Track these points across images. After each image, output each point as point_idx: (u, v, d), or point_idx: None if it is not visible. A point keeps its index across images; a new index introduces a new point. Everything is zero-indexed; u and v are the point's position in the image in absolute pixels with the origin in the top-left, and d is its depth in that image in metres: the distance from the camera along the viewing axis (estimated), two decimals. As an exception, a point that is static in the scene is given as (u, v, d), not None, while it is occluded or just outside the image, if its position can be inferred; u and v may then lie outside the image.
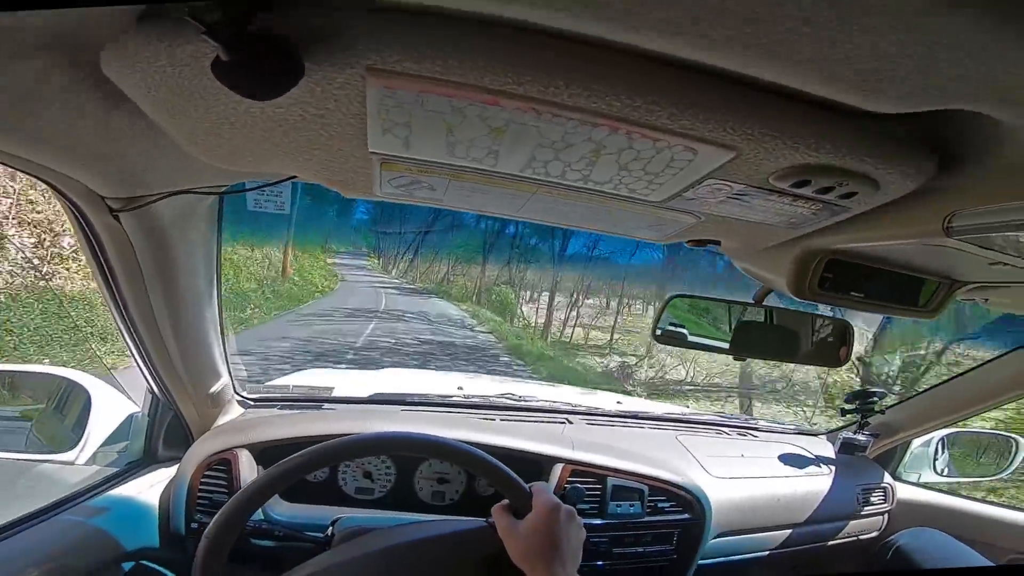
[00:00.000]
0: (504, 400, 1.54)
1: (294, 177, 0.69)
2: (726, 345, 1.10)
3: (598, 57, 0.40)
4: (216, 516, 0.70)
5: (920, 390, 1.58)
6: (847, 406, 1.55)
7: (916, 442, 1.66)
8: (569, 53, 0.40)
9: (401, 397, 1.45)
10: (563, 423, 1.47)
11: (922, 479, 1.68)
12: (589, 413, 1.56)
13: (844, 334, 1.05)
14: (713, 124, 0.44)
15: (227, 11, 0.35)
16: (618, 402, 1.79)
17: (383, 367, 7.56)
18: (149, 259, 0.80)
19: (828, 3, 0.30)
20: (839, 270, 0.76)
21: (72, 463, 1.09)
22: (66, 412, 1.18)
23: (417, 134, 0.50)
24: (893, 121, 0.44)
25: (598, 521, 1.17)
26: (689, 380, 10.98)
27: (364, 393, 1.46)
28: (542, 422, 1.46)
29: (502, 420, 1.41)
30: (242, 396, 1.29)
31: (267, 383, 1.58)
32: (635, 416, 1.61)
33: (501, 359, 11.82)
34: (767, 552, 1.38)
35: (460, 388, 1.65)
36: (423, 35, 0.39)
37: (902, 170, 0.50)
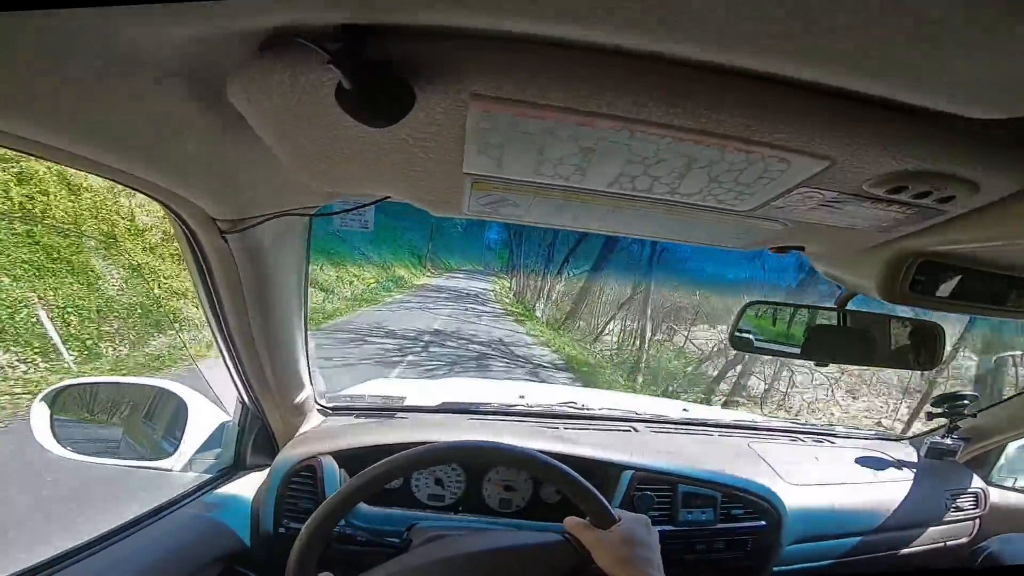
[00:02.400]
0: (567, 408, 1.54)
1: (388, 197, 0.71)
2: (795, 350, 1.08)
3: (693, 76, 0.41)
4: (307, 522, 0.73)
5: (1018, 391, 1.47)
6: (934, 409, 1.47)
7: (1012, 445, 1.55)
8: (664, 73, 0.41)
9: (467, 406, 1.48)
10: (628, 431, 1.46)
11: (1018, 483, 1.57)
12: (654, 420, 1.54)
13: (935, 336, 1.00)
14: (808, 135, 0.44)
15: (347, 40, 0.37)
16: (684, 409, 1.76)
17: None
18: (250, 277, 0.84)
19: (928, 16, 0.30)
20: (932, 272, 0.73)
21: (170, 470, 1.18)
22: (165, 421, 1.27)
23: (510, 154, 0.51)
24: (992, 122, 0.43)
25: (668, 528, 1.16)
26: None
27: (432, 402, 1.50)
28: (607, 430, 1.45)
29: (566, 428, 1.41)
30: (321, 405, 1.35)
31: (341, 392, 1.64)
32: (703, 424, 1.57)
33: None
34: (845, 559, 1.32)
35: (522, 396, 1.66)
36: (523, 61, 0.40)
37: (1003, 171, 0.48)
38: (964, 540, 1.46)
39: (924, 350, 1.01)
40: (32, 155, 0.50)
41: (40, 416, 1.14)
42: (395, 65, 0.39)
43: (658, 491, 1.17)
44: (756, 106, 0.42)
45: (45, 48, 0.37)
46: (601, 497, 0.76)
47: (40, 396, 1.15)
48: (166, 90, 0.46)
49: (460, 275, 32.32)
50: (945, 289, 0.73)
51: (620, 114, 0.43)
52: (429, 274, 28.52)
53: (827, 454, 1.48)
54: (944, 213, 0.58)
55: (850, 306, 1.00)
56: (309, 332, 1.12)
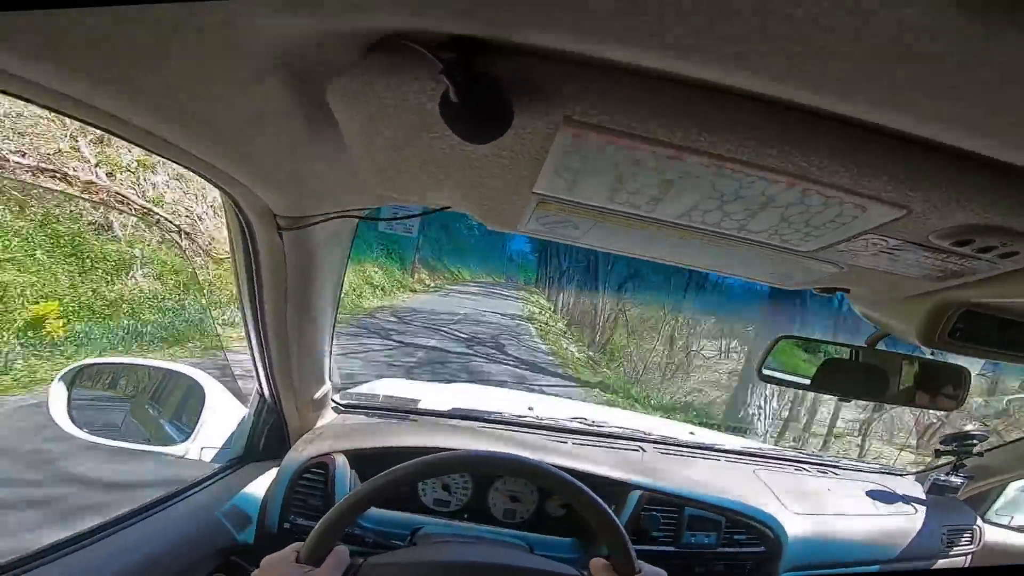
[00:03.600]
0: (577, 424, 1.55)
1: (448, 207, 0.70)
2: (804, 381, 1.08)
3: (789, 118, 0.41)
4: (321, 520, 0.72)
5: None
6: (942, 447, 1.48)
7: (1013, 485, 1.56)
8: (761, 113, 0.41)
9: (479, 413, 1.48)
10: (637, 450, 1.46)
11: (1014, 522, 1.59)
12: (662, 442, 1.54)
13: (960, 378, 1.01)
14: (890, 183, 0.44)
15: (460, 51, 0.36)
16: (691, 432, 1.76)
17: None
18: (297, 274, 0.84)
19: (1010, 73, 0.30)
20: (973, 320, 0.73)
21: (182, 456, 1.18)
22: (181, 406, 1.27)
23: (586, 179, 0.51)
24: None
25: (672, 549, 1.16)
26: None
27: (444, 406, 1.50)
28: (615, 448, 1.46)
29: (574, 444, 1.42)
30: (335, 402, 1.36)
31: (354, 390, 1.64)
32: (710, 448, 1.58)
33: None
34: None
35: (531, 408, 1.67)
36: (617, 89, 0.40)
37: None
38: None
39: (947, 391, 1.02)
40: (112, 132, 0.49)
41: (58, 395, 1.14)
42: (500, 81, 0.39)
43: (665, 512, 1.18)
44: (845, 152, 0.42)
45: (158, 31, 0.37)
46: (630, 545, 0.74)
47: (59, 375, 1.15)
48: (266, 84, 0.46)
49: (471, 288, 27.13)
50: (983, 338, 0.74)
51: (714, 151, 0.43)
52: (417, 287, 20.59)
53: (830, 485, 1.49)
54: (999, 267, 0.57)
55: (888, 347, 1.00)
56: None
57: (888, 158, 0.43)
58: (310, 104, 0.49)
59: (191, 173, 0.61)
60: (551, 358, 11.25)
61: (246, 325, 0.97)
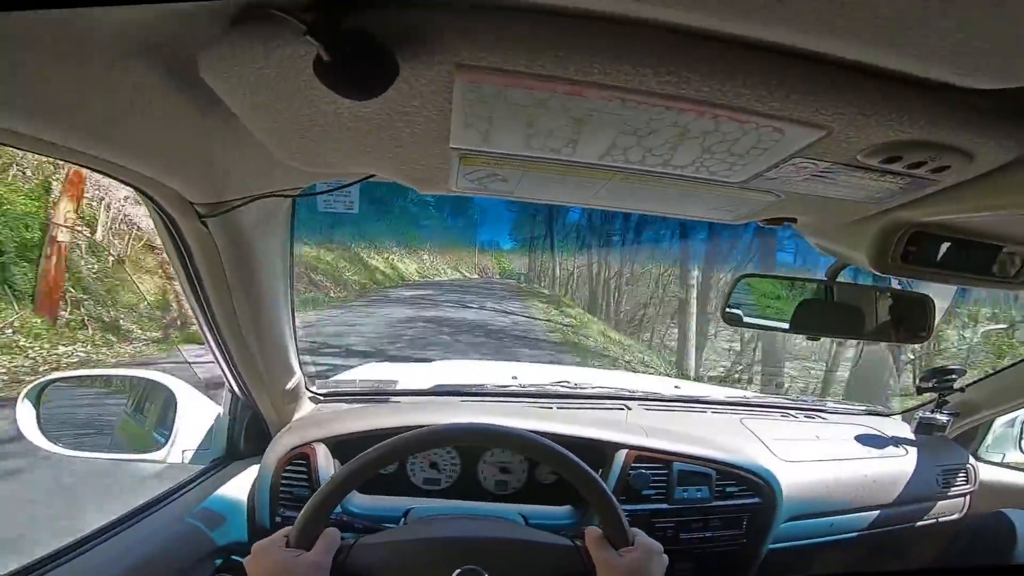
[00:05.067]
0: (560, 388, 1.55)
1: (372, 176, 0.70)
2: (783, 324, 1.08)
3: (686, 43, 0.40)
4: (307, 504, 0.72)
5: (1003, 366, 1.49)
6: (923, 384, 1.47)
7: (999, 421, 1.57)
8: (657, 40, 0.40)
9: (461, 388, 1.48)
10: (622, 409, 1.46)
11: (1006, 459, 1.60)
12: (647, 399, 1.54)
13: (924, 308, 1.00)
14: (803, 104, 0.44)
15: (324, 10, 0.35)
16: (676, 387, 1.77)
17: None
18: (233, 263, 0.82)
19: None
20: (923, 243, 0.73)
21: (163, 461, 1.17)
22: (155, 412, 1.26)
23: (498, 127, 0.50)
24: (988, 93, 0.42)
25: (665, 506, 1.16)
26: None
27: (425, 385, 1.49)
28: (600, 409, 1.46)
29: (559, 408, 1.42)
30: (313, 392, 1.34)
31: (333, 378, 1.64)
32: (696, 400, 1.58)
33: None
34: (841, 536, 1.34)
35: (515, 377, 1.67)
36: (510, 29, 0.39)
37: (997, 142, 0.48)
38: (956, 516, 1.48)
39: (914, 323, 1.01)
40: (3, 144, 0.48)
41: (26, 413, 1.12)
42: (377, 35, 0.38)
43: (653, 469, 1.17)
44: (750, 75, 0.42)
45: (4, 31, 0.35)
46: (622, 515, 0.74)
47: (24, 392, 1.13)
48: (132, 69, 0.44)
49: (424, 294, 16.18)
50: (936, 259, 0.73)
51: (611, 83, 0.42)
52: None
53: (819, 430, 1.50)
54: (937, 183, 0.58)
55: (842, 278, 0.99)
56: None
57: (799, 78, 0.42)
58: (189, 85, 0.47)
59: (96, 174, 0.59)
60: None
61: (198, 321, 0.95)
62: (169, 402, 1.18)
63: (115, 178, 0.62)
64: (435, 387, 1.48)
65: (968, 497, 1.49)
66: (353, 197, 0.79)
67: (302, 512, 0.71)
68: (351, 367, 1.95)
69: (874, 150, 0.50)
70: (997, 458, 1.60)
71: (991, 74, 0.39)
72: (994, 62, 0.37)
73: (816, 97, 0.43)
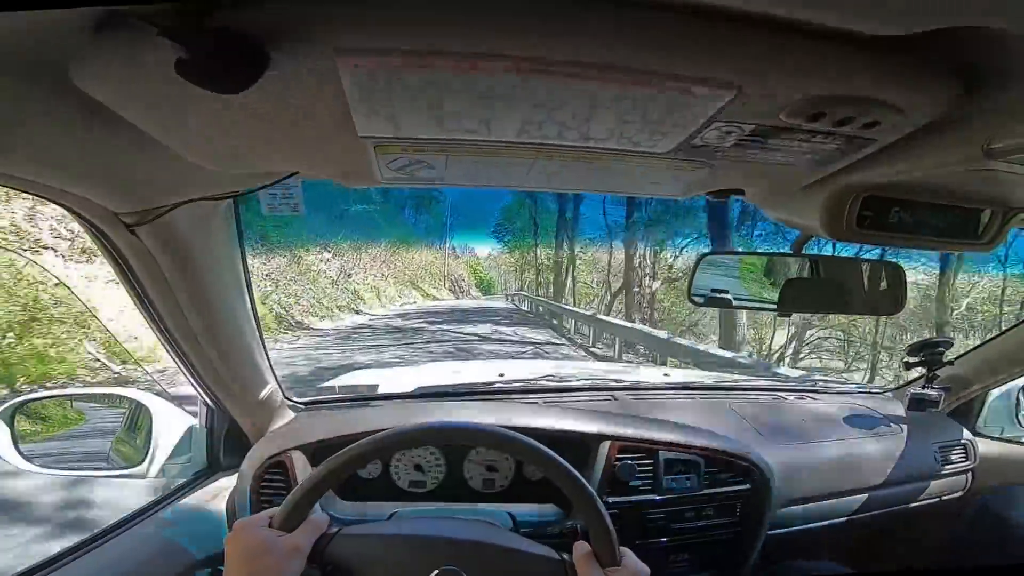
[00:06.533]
0: (546, 382, 1.53)
1: (296, 173, 0.69)
2: (771, 304, 1.06)
3: (576, 5, 0.38)
4: (296, 487, 0.72)
5: (991, 336, 1.46)
6: (911, 359, 1.45)
7: (994, 393, 1.55)
8: (545, 4, 0.38)
9: (444, 389, 1.46)
10: (608, 399, 1.44)
11: (1005, 433, 1.57)
12: (634, 388, 1.53)
13: (896, 277, 0.99)
14: (708, 63, 0.42)
15: (181, 11, 0.35)
16: (665, 375, 1.75)
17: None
18: (175, 271, 0.80)
19: None
20: (878, 207, 0.71)
21: (143, 477, 1.16)
22: (132, 429, 1.25)
23: (403, 112, 0.49)
24: (904, 44, 0.41)
25: (655, 497, 1.14)
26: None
27: (408, 388, 1.48)
28: (586, 400, 1.44)
29: (545, 402, 1.40)
30: (292, 400, 1.33)
31: (318, 386, 1.62)
32: (683, 387, 1.57)
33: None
34: (842, 519, 1.31)
35: (501, 375, 1.65)
36: (387, 8, 0.38)
37: (925, 94, 0.47)
38: (959, 494, 1.45)
39: (890, 293, 1.00)
40: None
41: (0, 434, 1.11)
42: (243, 29, 0.38)
43: (639, 460, 1.15)
44: (648, 35, 0.40)
45: None
46: (613, 533, 0.72)
47: (-4, 412, 1.12)
48: (9, 83, 0.44)
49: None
50: (894, 224, 0.72)
51: (501, 52, 0.40)
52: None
53: (810, 411, 1.48)
54: (875, 142, 0.56)
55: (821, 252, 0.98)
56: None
57: (697, 35, 0.41)
58: (74, 92, 0.46)
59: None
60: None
61: (155, 334, 0.93)
62: (144, 418, 1.18)
63: (35, 195, 0.61)
64: (418, 389, 1.47)
65: (970, 473, 1.47)
66: (298, 199, 0.78)
67: (289, 495, 0.71)
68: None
69: (793, 109, 0.48)
70: (996, 432, 1.57)
71: (895, 21, 0.37)
72: (896, 8, 0.36)
73: (720, 55, 0.42)
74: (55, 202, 0.66)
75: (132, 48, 0.39)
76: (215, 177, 0.71)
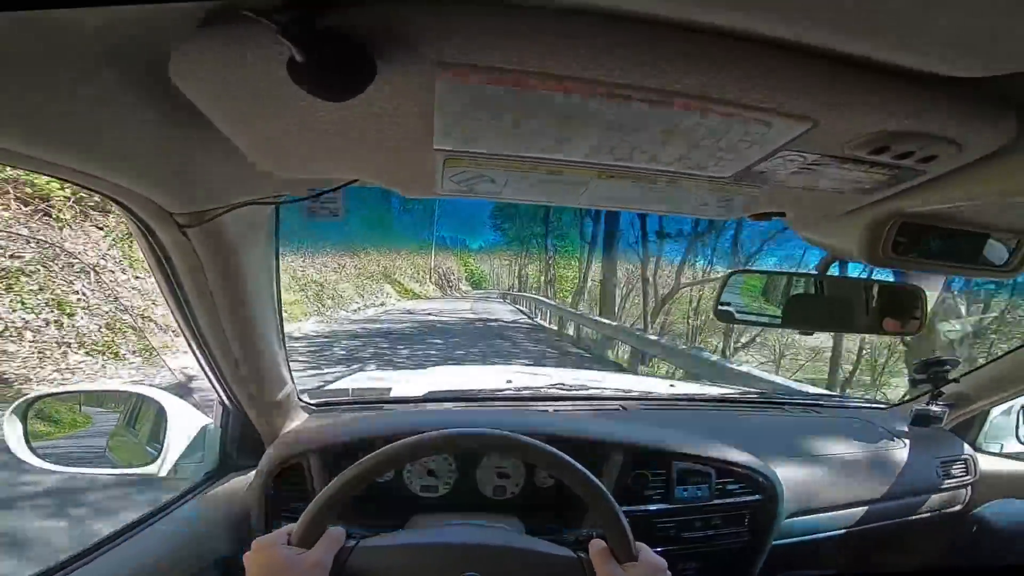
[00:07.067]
0: (556, 390, 1.54)
1: (355, 181, 0.69)
2: (779, 320, 1.07)
3: (670, 36, 0.40)
4: (312, 502, 0.71)
5: (996, 356, 1.49)
6: (917, 376, 1.47)
7: (996, 411, 1.57)
8: (640, 34, 0.39)
9: (455, 394, 1.47)
10: (619, 410, 1.45)
11: (1005, 449, 1.59)
12: (643, 399, 1.54)
13: (916, 300, 1.00)
14: (789, 96, 0.43)
15: (297, 10, 0.35)
16: (671, 386, 1.76)
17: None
18: (217, 273, 0.81)
19: None
20: (912, 233, 0.73)
21: (156, 475, 1.15)
22: (144, 427, 1.24)
23: (483, 127, 0.50)
24: (974, 83, 0.42)
25: (665, 506, 1.15)
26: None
27: (419, 392, 1.48)
28: (597, 410, 1.45)
29: (556, 411, 1.41)
30: (305, 402, 1.33)
31: (325, 388, 1.62)
32: (691, 399, 1.58)
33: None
34: (845, 530, 1.33)
35: (509, 381, 1.65)
36: (491, 26, 0.39)
37: (983, 130, 0.48)
38: (958, 508, 1.48)
39: (907, 315, 1.01)
40: None
41: (13, 429, 1.11)
42: (353, 34, 0.37)
43: (652, 470, 1.16)
44: (736, 67, 0.41)
45: None
46: (628, 529, 0.72)
47: (10, 409, 1.11)
48: (100, 78, 0.43)
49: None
50: (926, 249, 0.74)
51: (596, 78, 0.41)
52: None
53: (816, 424, 1.49)
54: (925, 173, 0.57)
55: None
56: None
57: (784, 70, 0.42)
58: (162, 92, 0.46)
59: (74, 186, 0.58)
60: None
61: (183, 333, 0.94)
62: (159, 416, 1.17)
63: (91, 189, 0.60)
64: (429, 393, 1.47)
65: (969, 488, 1.49)
66: (338, 203, 0.78)
67: (306, 510, 0.71)
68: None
69: (862, 141, 0.50)
70: (996, 448, 1.59)
71: (976, 63, 0.39)
72: (977, 51, 0.37)
73: (803, 89, 0.43)
74: (109, 198, 0.65)
75: (239, 46, 0.39)
76: (271, 181, 0.71)
